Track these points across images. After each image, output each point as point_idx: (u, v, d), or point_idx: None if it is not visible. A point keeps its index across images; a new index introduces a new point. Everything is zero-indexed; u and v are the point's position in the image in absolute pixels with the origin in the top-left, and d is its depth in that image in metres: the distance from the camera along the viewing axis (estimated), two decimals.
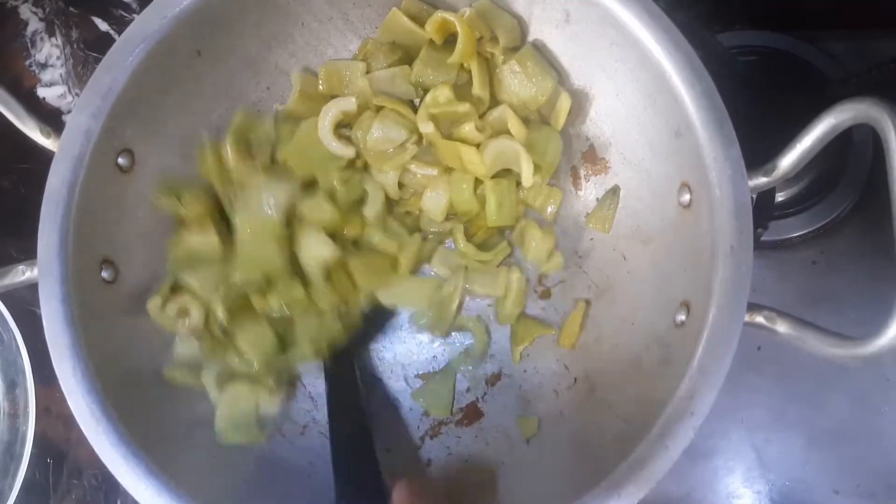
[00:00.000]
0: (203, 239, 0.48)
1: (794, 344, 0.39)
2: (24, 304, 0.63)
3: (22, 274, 0.44)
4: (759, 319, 0.40)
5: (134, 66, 0.45)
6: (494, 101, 0.52)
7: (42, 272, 0.42)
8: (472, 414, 0.52)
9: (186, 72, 0.49)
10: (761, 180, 0.42)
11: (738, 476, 0.59)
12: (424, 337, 0.54)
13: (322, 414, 0.52)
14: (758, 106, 0.51)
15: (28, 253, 0.67)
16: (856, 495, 0.57)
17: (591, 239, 0.53)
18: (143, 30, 0.45)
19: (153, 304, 0.47)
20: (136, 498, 0.39)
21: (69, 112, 0.71)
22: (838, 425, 0.58)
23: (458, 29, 0.48)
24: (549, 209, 0.53)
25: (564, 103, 0.50)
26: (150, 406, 0.45)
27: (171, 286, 0.48)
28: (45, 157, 0.72)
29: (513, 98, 0.50)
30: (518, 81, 0.50)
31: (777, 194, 0.62)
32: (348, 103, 0.51)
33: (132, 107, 0.46)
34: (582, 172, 0.54)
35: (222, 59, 0.51)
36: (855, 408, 0.58)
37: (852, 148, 0.61)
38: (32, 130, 0.46)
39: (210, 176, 0.50)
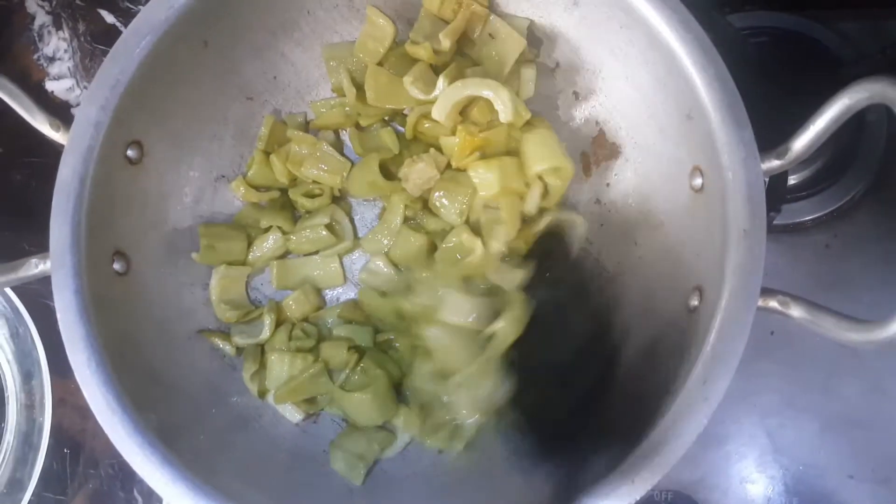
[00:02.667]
0: None
1: (808, 328, 0.39)
2: (39, 298, 0.63)
3: (35, 267, 0.44)
4: (773, 304, 0.40)
5: (141, 58, 0.45)
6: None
7: (55, 264, 0.42)
8: None
9: (193, 62, 0.49)
10: (774, 163, 0.41)
11: (752, 461, 0.58)
12: None
13: None
14: (769, 88, 0.50)
15: (40, 246, 0.68)
16: (870, 480, 0.57)
17: (602, 225, 0.53)
18: (150, 21, 0.45)
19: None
20: (153, 487, 0.39)
21: (78, 105, 0.71)
22: (851, 410, 0.58)
23: None
24: None
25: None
26: (163, 396, 0.45)
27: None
28: (54, 151, 0.72)
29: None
30: None
31: (789, 177, 0.61)
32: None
33: (140, 98, 0.46)
34: (592, 158, 0.53)
35: (229, 49, 0.51)
36: (868, 393, 0.58)
37: (865, 129, 0.60)
38: (42, 124, 0.46)
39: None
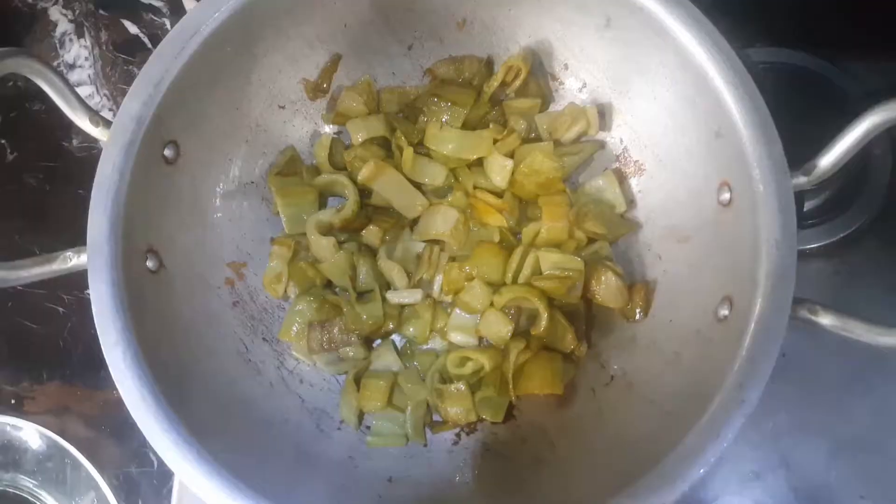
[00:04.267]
0: None
1: (839, 335, 0.40)
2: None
3: (70, 260, 0.44)
4: (803, 313, 0.41)
5: (186, 58, 0.46)
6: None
7: (92, 255, 0.42)
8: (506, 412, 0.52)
9: (232, 67, 0.50)
10: (801, 179, 0.43)
11: (765, 482, 0.59)
12: None
13: None
14: (782, 118, 0.52)
15: (52, 249, 0.67)
16: (882, 501, 0.58)
17: (624, 239, 0.54)
18: (196, 23, 0.46)
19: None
20: (187, 483, 0.39)
21: (98, 112, 0.72)
22: (863, 432, 0.59)
23: None
24: None
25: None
26: (192, 394, 0.44)
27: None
28: (71, 156, 0.73)
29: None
30: None
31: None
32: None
33: (181, 98, 0.47)
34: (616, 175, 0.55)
35: (267, 56, 0.52)
36: (878, 415, 0.59)
37: (872, 161, 0.63)
38: (82, 119, 0.46)
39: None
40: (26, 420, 0.61)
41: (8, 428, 0.60)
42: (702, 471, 0.37)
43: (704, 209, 0.47)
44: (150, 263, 0.46)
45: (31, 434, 0.60)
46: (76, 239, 0.67)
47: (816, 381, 0.60)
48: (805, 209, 0.63)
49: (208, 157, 0.52)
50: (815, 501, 0.58)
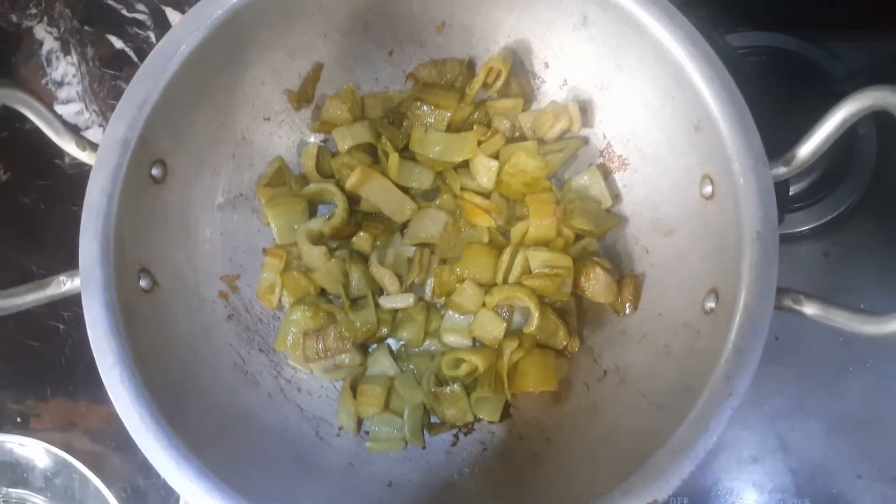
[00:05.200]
0: None
1: (823, 324, 0.40)
2: None
3: (63, 285, 0.44)
4: (787, 303, 0.41)
5: (168, 78, 0.46)
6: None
7: (85, 279, 0.43)
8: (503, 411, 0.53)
9: (216, 83, 0.50)
10: (781, 170, 0.44)
11: (763, 465, 0.60)
12: None
13: None
14: (766, 103, 0.52)
15: (48, 268, 0.68)
16: (878, 479, 0.58)
17: (612, 234, 0.54)
18: (177, 42, 0.46)
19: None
20: (189, 500, 0.39)
21: (87, 129, 0.72)
22: (857, 412, 0.60)
23: None
24: None
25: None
26: (190, 410, 0.45)
27: None
28: (64, 174, 0.73)
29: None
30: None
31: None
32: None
33: (166, 118, 0.47)
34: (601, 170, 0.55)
35: (249, 70, 0.52)
36: (872, 395, 0.60)
37: (857, 143, 0.63)
38: (69, 144, 0.46)
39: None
40: (32, 438, 0.62)
41: (15, 446, 0.61)
42: (693, 466, 0.38)
43: (688, 202, 0.48)
44: (143, 283, 0.46)
45: (37, 451, 0.61)
46: (72, 256, 0.67)
47: (810, 364, 0.60)
48: (791, 193, 0.63)
49: (196, 173, 0.52)
50: (813, 482, 0.59)
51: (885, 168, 0.62)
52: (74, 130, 0.47)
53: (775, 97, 0.58)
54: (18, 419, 0.65)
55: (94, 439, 0.65)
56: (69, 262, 0.66)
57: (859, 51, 0.65)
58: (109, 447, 0.64)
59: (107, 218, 0.44)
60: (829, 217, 0.63)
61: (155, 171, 0.48)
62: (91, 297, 0.43)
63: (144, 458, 0.63)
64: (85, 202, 0.44)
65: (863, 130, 0.63)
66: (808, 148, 0.43)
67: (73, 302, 0.68)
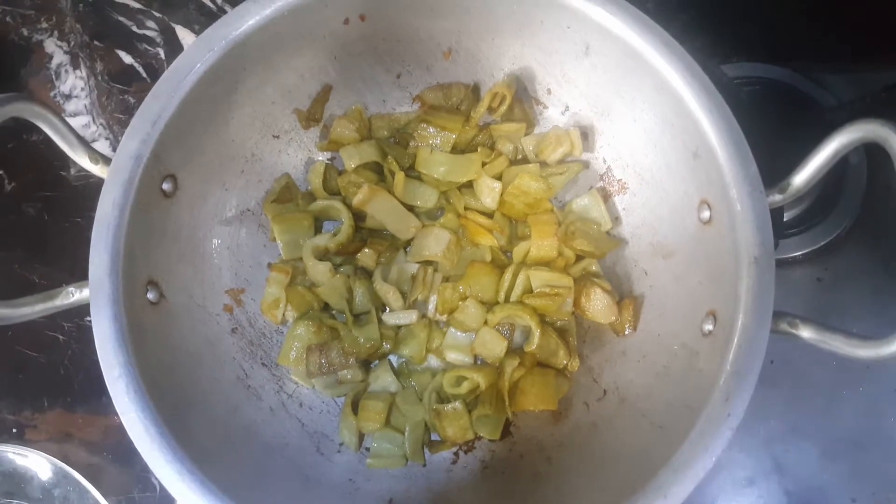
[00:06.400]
0: None
1: (818, 348, 0.41)
2: None
3: (72, 295, 0.45)
4: (783, 326, 0.43)
5: (182, 96, 0.47)
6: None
7: (94, 291, 0.43)
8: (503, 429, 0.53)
9: (227, 102, 0.51)
10: (776, 197, 0.45)
11: (759, 487, 0.60)
12: None
13: None
14: (761, 132, 0.54)
15: (52, 279, 0.68)
16: (872, 503, 0.59)
17: (612, 255, 0.55)
18: (191, 62, 0.47)
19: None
20: None
21: (93, 142, 0.73)
22: (851, 435, 0.60)
23: None
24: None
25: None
26: (195, 424, 0.45)
27: None
28: (69, 186, 0.74)
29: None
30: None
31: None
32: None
33: (178, 134, 0.48)
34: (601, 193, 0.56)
35: (260, 90, 0.53)
36: (866, 418, 0.61)
37: (849, 171, 0.65)
38: (81, 157, 0.47)
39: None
40: (29, 448, 0.61)
41: (12, 456, 0.61)
42: (693, 485, 0.38)
43: (687, 226, 0.49)
44: (150, 295, 0.47)
45: (35, 462, 0.61)
46: (75, 267, 0.68)
47: (804, 387, 0.61)
48: (786, 219, 0.65)
49: (206, 189, 0.53)
50: None
51: (875, 196, 0.64)
52: (87, 144, 0.48)
53: (769, 126, 0.60)
54: (14, 430, 0.65)
55: (91, 451, 0.65)
56: (72, 274, 0.67)
57: (848, 82, 0.67)
58: (106, 459, 0.64)
59: (117, 231, 0.45)
60: (822, 243, 0.64)
61: (166, 186, 0.49)
62: (99, 308, 0.43)
63: (141, 471, 0.65)
64: (97, 215, 0.45)
65: (854, 160, 0.64)
66: (803, 177, 0.44)
67: (73, 313, 0.70)
